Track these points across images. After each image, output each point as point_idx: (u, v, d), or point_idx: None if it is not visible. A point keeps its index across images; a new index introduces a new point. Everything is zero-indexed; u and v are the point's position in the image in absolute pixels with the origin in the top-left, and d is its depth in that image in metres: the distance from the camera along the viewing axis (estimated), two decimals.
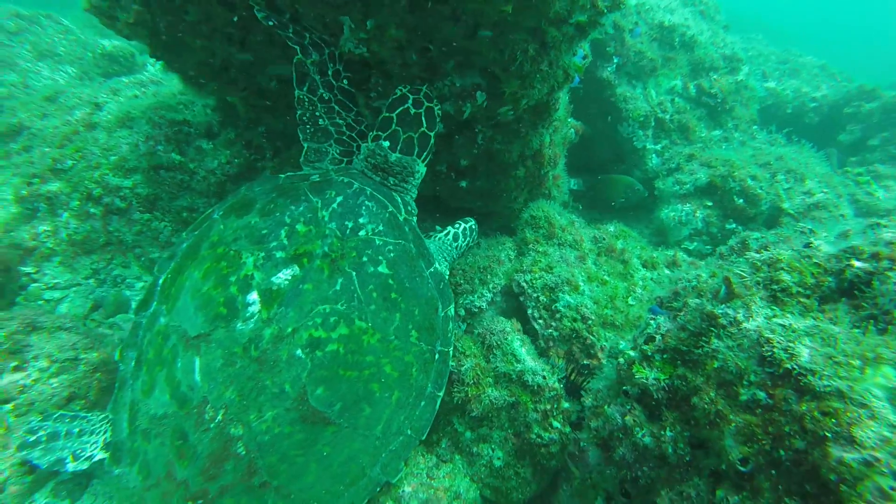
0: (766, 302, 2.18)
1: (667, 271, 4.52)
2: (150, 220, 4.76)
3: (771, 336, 1.99)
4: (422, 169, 3.31)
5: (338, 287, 2.81)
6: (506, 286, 4.09)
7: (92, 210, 4.66)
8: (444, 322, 3.06)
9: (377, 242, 2.96)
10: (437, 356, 3.02)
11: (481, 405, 3.22)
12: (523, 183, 4.60)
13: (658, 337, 2.43)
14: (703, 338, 2.23)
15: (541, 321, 3.83)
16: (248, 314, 2.74)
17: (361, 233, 2.95)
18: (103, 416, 3.20)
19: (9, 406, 3.28)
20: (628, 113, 6.31)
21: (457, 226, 3.65)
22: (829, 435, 1.74)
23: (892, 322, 1.89)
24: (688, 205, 5.64)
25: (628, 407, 2.47)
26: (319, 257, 2.84)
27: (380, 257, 2.93)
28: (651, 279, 4.35)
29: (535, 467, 3.26)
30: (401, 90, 3.16)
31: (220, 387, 2.67)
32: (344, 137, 3.40)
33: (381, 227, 3.00)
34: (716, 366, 2.12)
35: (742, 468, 1.96)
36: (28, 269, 4.61)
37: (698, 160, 5.77)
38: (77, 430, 3.16)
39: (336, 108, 3.34)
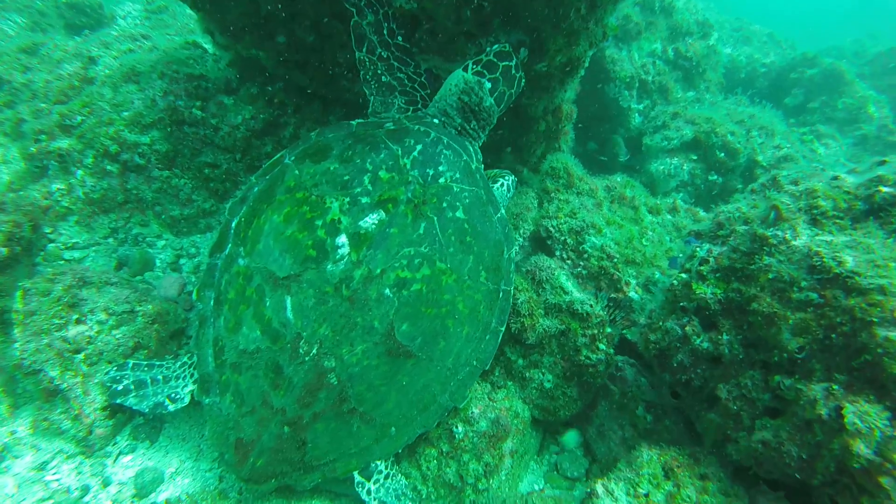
0: (808, 224, 2.63)
1: (668, 216, 5.02)
2: (169, 177, 4.70)
3: (819, 249, 2.44)
4: (495, 116, 3.51)
5: (421, 231, 3.03)
6: (533, 232, 4.43)
7: (109, 167, 4.55)
8: (507, 263, 3.36)
9: (455, 189, 3.18)
10: (500, 294, 3.32)
11: (535, 333, 3.59)
12: (543, 136, 4.92)
13: (711, 259, 2.85)
14: (756, 256, 2.66)
15: (569, 261, 4.20)
16: (338, 256, 2.92)
17: (441, 180, 3.16)
18: (180, 362, 3.32)
19: (80, 356, 3.32)
20: (615, 74, 6.70)
21: (507, 178, 3.91)
22: (875, 320, 2.21)
23: None
24: (675, 159, 6.17)
25: (686, 319, 2.90)
26: (404, 203, 3.03)
27: (457, 203, 3.16)
28: (657, 223, 4.83)
29: (581, 387, 3.69)
30: (500, 47, 3.30)
31: (313, 324, 2.87)
32: (407, 89, 3.54)
33: (457, 175, 3.21)
34: (770, 276, 2.56)
35: (798, 355, 2.43)
36: (45, 229, 4.47)
37: (682, 118, 6.28)
38: (161, 377, 3.27)
39: (395, 63, 3.48)
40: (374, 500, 3.08)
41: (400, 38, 3.50)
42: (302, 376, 2.85)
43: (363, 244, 2.94)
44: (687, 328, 2.85)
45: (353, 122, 3.38)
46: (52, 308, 3.34)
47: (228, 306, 3.09)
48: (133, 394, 3.21)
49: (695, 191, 6.25)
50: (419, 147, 3.17)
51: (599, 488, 2.67)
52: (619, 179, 5.08)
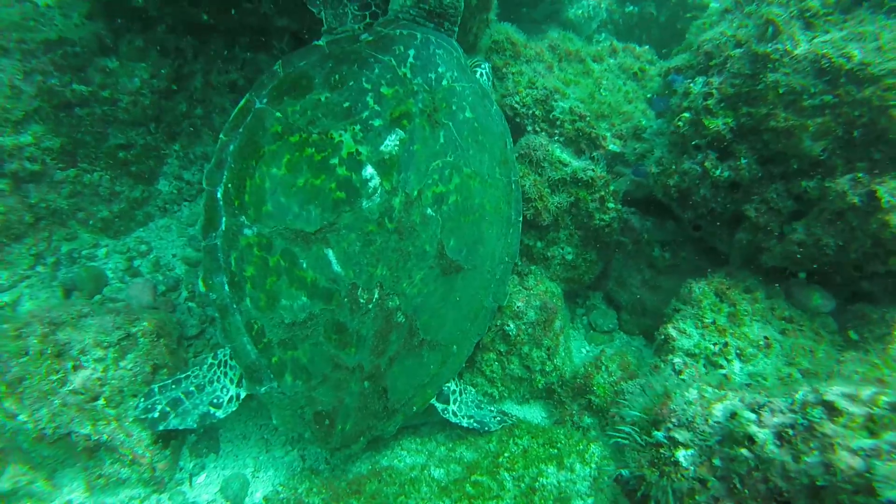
0: (803, 30, 2.69)
1: (612, 60, 4.98)
2: (77, 174, 3.93)
3: (826, 50, 2.52)
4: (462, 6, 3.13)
5: (442, 140, 2.79)
6: None
7: None
8: (511, 153, 3.24)
9: (458, 89, 2.91)
10: (513, 186, 3.25)
11: (549, 213, 3.61)
12: (475, 11, 4.54)
13: (714, 91, 2.89)
14: (760, 75, 2.73)
15: (543, 133, 4.14)
16: (370, 190, 2.65)
17: (444, 82, 2.86)
18: (206, 364, 3.04)
19: (101, 402, 2.94)
20: None
21: (483, 66, 3.61)
22: (893, 103, 2.39)
23: None
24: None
25: (701, 156, 3.00)
26: (417, 115, 2.74)
27: (464, 103, 2.91)
28: (605, 70, 4.79)
29: (599, 249, 3.85)
30: None
31: (367, 268, 2.66)
32: None
33: (455, 73, 2.92)
34: (781, 91, 2.65)
35: (822, 157, 2.61)
36: None
37: None
38: (193, 388, 2.99)
39: None
40: (462, 417, 3.18)
41: None
42: (370, 325, 2.70)
43: (392, 169, 2.67)
44: (706, 163, 2.96)
45: (322, 42, 2.92)
46: (40, 366, 2.86)
47: (250, 284, 2.78)
48: (172, 415, 2.94)
49: (615, 27, 6.21)
50: (412, 52, 2.83)
51: (672, 331, 2.91)
52: (555, 35, 4.90)
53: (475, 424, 3.17)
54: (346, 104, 2.72)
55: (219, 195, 2.81)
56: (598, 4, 6.01)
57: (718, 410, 1.57)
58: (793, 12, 2.71)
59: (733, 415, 1.48)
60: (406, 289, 2.75)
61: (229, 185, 2.79)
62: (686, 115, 3.04)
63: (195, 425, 2.90)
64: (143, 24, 3.90)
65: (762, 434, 1.40)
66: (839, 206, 2.60)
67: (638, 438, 1.69)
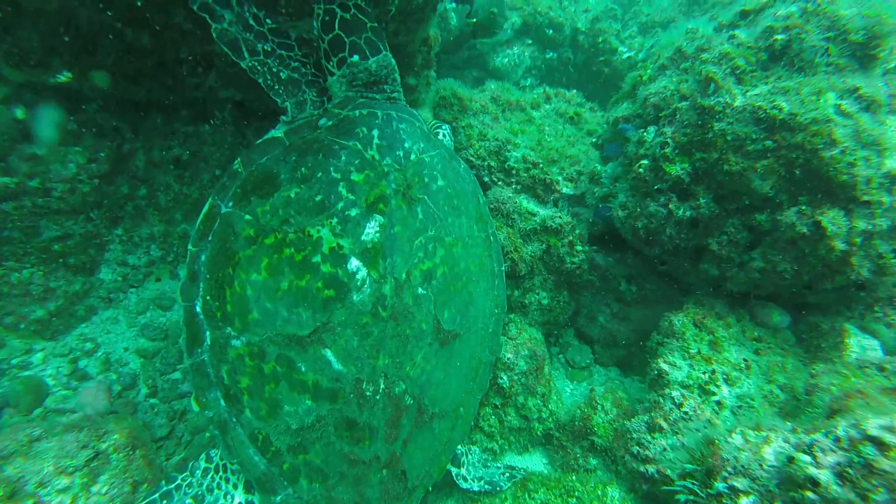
0: (736, 84, 3.05)
1: (548, 106, 5.30)
2: (3, 275, 3.50)
3: (760, 103, 2.88)
4: (393, 60, 3.15)
5: (420, 215, 2.79)
6: None
7: None
8: (484, 206, 3.32)
9: (426, 160, 2.91)
10: (492, 239, 3.32)
11: (525, 263, 3.72)
12: (421, 68, 4.67)
13: (669, 140, 3.18)
14: (708, 125, 3.05)
15: (500, 182, 4.30)
16: (358, 282, 2.57)
17: (412, 156, 2.84)
18: (199, 471, 2.79)
19: None
20: None
21: (443, 128, 3.66)
22: (819, 146, 2.76)
23: (815, 66, 2.93)
24: (514, 48, 6.38)
25: (664, 198, 3.27)
26: (393, 196, 2.70)
27: (435, 172, 2.92)
28: (544, 116, 5.08)
29: (571, 290, 4.02)
30: (317, 8, 2.89)
31: (369, 361, 2.59)
32: (309, 77, 3.01)
33: (422, 144, 2.92)
34: (728, 138, 2.97)
35: (770, 194, 2.94)
36: None
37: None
38: (189, 499, 2.72)
39: (283, 52, 2.91)
40: (472, 480, 3.14)
41: (269, 20, 2.91)
42: (380, 416, 2.62)
43: (377, 257, 2.62)
44: (670, 205, 3.22)
45: (279, 133, 2.83)
46: None
47: (248, 395, 2.61)
48: None
49: (538, 72, 6.63)
50: (376, 132, 2.79)
51: (664, 366, 3.08)
52: (494, 86, 5.14)
53: (486, 486, 3.14)
54: (319, 197, 2.63)
55: (198, 309, 2.64)
56: (521, 52, 6.41)
57: (769, 454, 1.70)
58: (726, 70, 3.07)
59: (791, 459, 1.61)
60: (410, 371, 2.70)
61: (208, 298, 2.63)
62: (645, 161, 3.31)
63: None
64: (71, 105, 3.62)
65: (824, 476, 1.53)
66: (791, 235, 2.92)
67: (700, 492, 1.78)
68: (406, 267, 2.69)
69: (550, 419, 3.52)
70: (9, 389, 3.47)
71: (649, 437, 2.88)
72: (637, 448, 2.90)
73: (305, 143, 2.76)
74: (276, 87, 2.93)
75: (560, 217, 3.78)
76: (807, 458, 1.58)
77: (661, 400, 2.95)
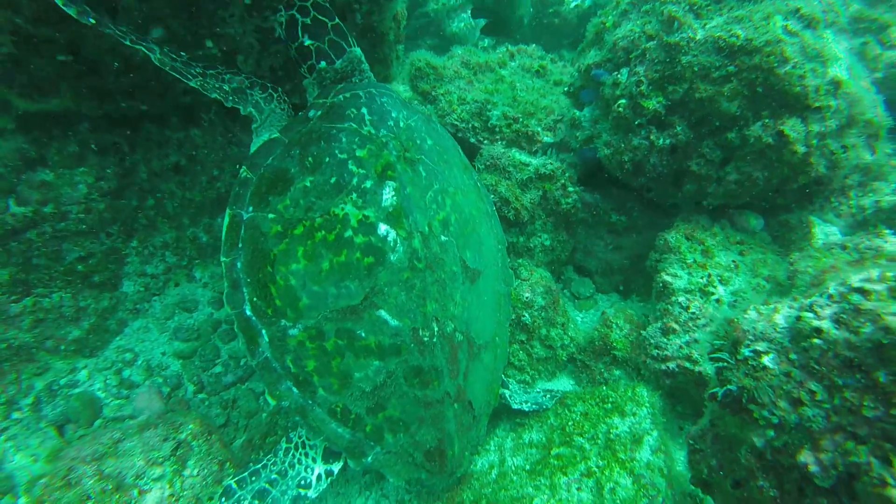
0: (695, 19, 3.40)
1: (513, 63, 5.56)
2: (35, 302, 3.59)
3: (718, 33, 3.24)
4: (359, 52, 3.32)
5: (423, 173, 3.03)
6: None
7: None
8: (464, 157, 3.58)
9: (412, 124, 3.14)
10: (479, 184, 3.59)
11: (527, 210, 4.06)
12: (392, 45, 4.84)
13: (643, 79, 3.53)
14: (675, 60, 3.40)
15: (486, 142, 4.59)
16: (391, 244, 2.81)
17: (401, 124, 3.07)
18: (281, 450, 3.06)
19: None
20: None
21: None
22: (775, 64, 3.16)
23: None
24: (468, 11, 6.55)
25: (645, 132, 3.63)
26: (397, 162, 2.92)
27: (422, 134, 3.17)
28: (512, 73, 5.35)
29: (568, 229, 4.39)
30: (278, 17, 3.08)
31: (418, 310, 2.84)
32: (246, 82, 3.19)
33: (405, 111, 3.15)
34: (696, 69, 3.34)
35: (737, 113, 3.34)
36: None
37: None
38: (276, 475, 2.98)
39: (210, 71, 3.08)
40: (521, 403, 3.51)
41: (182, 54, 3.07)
42: (441, 356, 2.90)
43: (400, 217, 2.85)
44: (651, 137, 3.59)
45: (275, 136, 3.00)
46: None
47: (317, 376, 2.84)
48: None
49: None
50: (364, 110, 3.00)
51: (667, 278, 3.50)
52: (461, 51, 5.35)
53: (534, 406, 3.52)
54: (333, 179, 2.83)
55: (248, 312, 2.84)
56: None
57: (780, 319, 2.11)
58: (685, 7, 3.41)
59: (798, 318, 2.02)
60: (454, 311, 2.99)
61: (255, 299, 2.83)
62: (623, 101, 3.65)
63: None
64: (65, 128, 3.66)
65: (825, 324, 1.95)
66: (759, 147, 3.35)
67: (730, 360, 2.18)
68: (426, 220, 2.93)
69: (572, 345, 3.94)
70: (67, 407, 3.62)
71: (665, 340, 3.32)
72: (656, 351, 3.35)
73: (304, 136, 2.94)
74: (230, 97, 3.11)
75: (551, 163, 4.12)
76: (810, 314, 2.00)
77: (670, 307, 3.38)
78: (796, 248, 3.62)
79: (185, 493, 2.92)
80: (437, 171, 3.14)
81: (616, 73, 3.75)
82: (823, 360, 1.98)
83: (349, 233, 2.79)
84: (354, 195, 2.83)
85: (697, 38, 3.32)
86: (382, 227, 2.82)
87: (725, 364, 2.18)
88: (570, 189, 4.20)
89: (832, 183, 3.67)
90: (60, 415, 3.61)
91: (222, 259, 2.89)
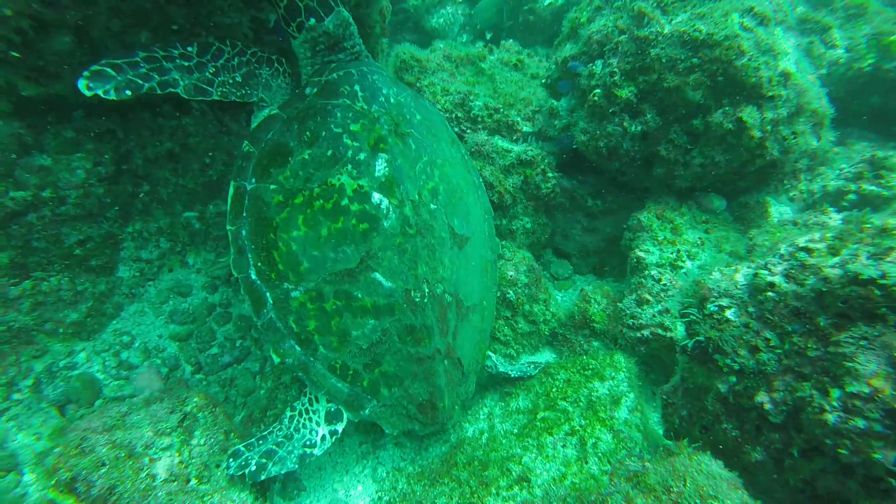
0: (662, 14, 3.70)
1: (492, 57, 5.80)
2: (34, 285, 3.67)
3: (684, 28, 3.55)
4: (346, 13, 3.41)
5: (413, 146, 3.22)
6: None
7: None
8: (452, 132, 3.81)
9: (402, 100, 3.33)
10: (466, 158, 3.81)
11: (510, 194, 4.31)
12: (378, 38, 5.02)
13: (616, 69, 3.82)
14: (644, 52, 3.70)
15: (469, 130, 4.83)
16: (384, 211, 3.00)
17: (392, 100, 3.26)
18: (286, 418, 3.27)
19: (194, 481, 2.98)
20: None
21: None
22: (733, 56, 3.48)
23: None
24: (447, 7, 6.77)
25: (618, 119, 3.93)
26: (388, 135, 3.11)
27: (412, 109, 3.36)
28: (492, 66, 5.60)
29: (548, 213, 4.66)
30: None
31: (410, 272, 3.04)
32: (254, 63, 3.35)
33: (395, 88, 3.34)
34: (664, 61, 3.64)
35: (701, 101, 3.66)
36: None
37: None
38: (282, 438, 3.18)
39: (219, 63, 3.24)
40: (501, 368, 3.76)
41: (188, 48, 3.21)
42: (431, 315, 3.10)
43: (392, 186, 3.04)
44: (624, 123, 3.89)
45: (275, 112, 3.20)
46: (124, 470, 2.83)
47: (318, 335, 3.06)
48: (270, 464, 3.10)
49: (472, 29, 7.07)
50: (357, 87, 3.19)
51: (640, 254, 3.80)
52: (442, 45, 5.57)
53: (519, 373, 3.77)
54: (329, 152, 3.03)
55: (253, 276, 3.05)
56: (454, 11, 6.81)
57: (740, 277, 2.40)
58: (653, 3, 3.70)
59: (756, 275, 2.31)
60: (443, 273, 3.20)
61: (259, 264, 3.04)
62: (598, 90, 3.94)
63: (296, 467, 3.08)
64: (59, 114, 3.74)
65: (777, 279, 2.24)
66: (720, 132, 3.68)
67: (698, 315, 2.47)
68: (416, 189, 3.13)
69: (553, 320, 4.21)
70: (67, 388, 3.71)
71: (639, 310, 3.62)
72: (631, 320, 3.64)
73: (301, 112, 3.15)
74: (245, 90, 3.27)
75: (531, 150, 4.38)
76: (765, 272, 2.30)
77: (643, 280, 3.69)
78: (755, 225, 3.97)
79: (193, 460, 3.06)
80: (426, 143, 3.34)
81: (591, 64, 4.04)
82: (776, 310, 2.28)
83: (345, 201, 2.99)
84: (349, 166, 3.03)
85: (665, 32, 3.63)
86: (376, 196, 3.02)
87: (694, 318, 2.47)
88: (550, 175, 4.48)
89: (784, 167, 4.04)
90: (61, 395, 3.70)
91: (228, 227, 3.08)
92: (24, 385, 3.70)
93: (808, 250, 2.22)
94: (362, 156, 3.05)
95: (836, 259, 2.12)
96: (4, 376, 3.64)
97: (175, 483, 2.93)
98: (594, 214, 4.84)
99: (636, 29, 3.72)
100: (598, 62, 3.98)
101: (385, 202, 3.02)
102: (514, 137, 4.75)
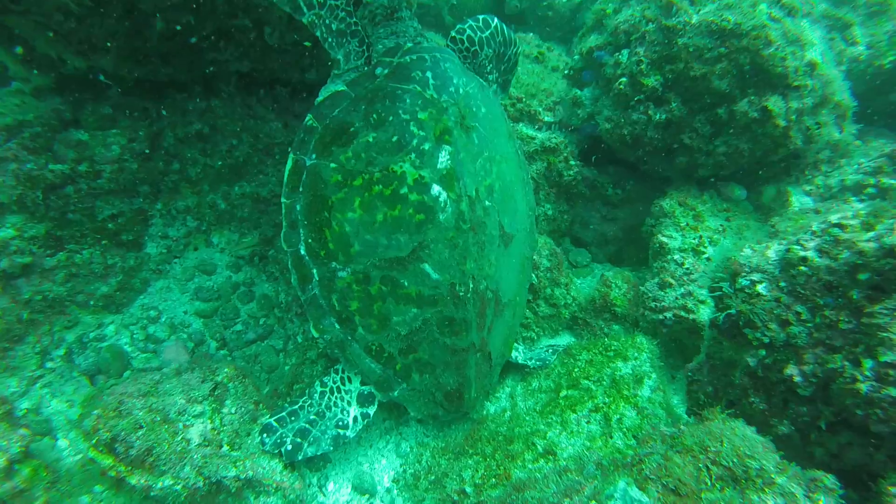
0: (690, 4, 3.77)
1: None
2: (68, 257, 3.74)
3: (712, 18, 3.61)
4: None
5: (476, 141, 3.24)
6: None
7: None
8: (510, 125, 3.83)
9: (471, 92, 3.32)
10: (519, 153, 3.84)
11: (533, 180, 4.38)
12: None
13: (643, 59, 3.88)
14: (672, 42, 3.76)
15: None
16: (442, 204, 3.00)
17: (462, 91, 3.24)
18: (317, 393, 3.30)
19: (226, 447, 3.05)
20: None
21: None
22: (760, 46, 3.54)
23: None
24: None
25: (643, 107, 3.99)
26: (454, 127, 3.10)
27: (478, 101, 3.36)
28: None
29: (568, 201, 4.73)
30: None
31: (458, 267, 3.07)
32: (353, 27, 3.35)
33: (464, 79, 3.32)
34: (691, 50, 3.70)
35: (726, 90, 3.72)
36: None
37: None
38: (314, 415, 3.22)
39: (332, 2, 3.25)
40: (528, 359, 3.82)
41: None
42: (472, 310, 3.15)
43: (452, 180, 3.03)
44: (649, 112, 3.95)
45: (341, 87, 3.17)
46: (161, 432, 2.90)
47: (359, 316, 3.09)
48: (306, 444, 3.14)
49: None
50: (429, 74, 3.15)
51: (664, 239, 3.86)
52: None
53: (538, 363, 3.83)
54: (395, 138, 3.00)
55: (302, 251, 3.09)
56: None
57: (772, 253, 2.46)
58: None
59: (788, 250, 2.37)
60: (488, 271, 3.24)
61: (310, 241, 3.07)
62: (624, 79, 4.00)
63: (331, 448, 3.15)
64: (97, 91, 3.82)
65: (810, 253, 2.30)
66: (745, 121, 3.73)
67: (730, 289, 2.53)
68: (474, 185, 3.15)
69: (574, 304, 4.27)
70: (98, 358, 3.78)
71: (662, 293, 3.68)
72: (654, 303, 3.70)
73: (370, 93, 3.12)
74: (330, 39, 3.24)
75: (555, 137, 4.45)
76: (797, 247, 2.36)
77: (666, 264, 3.74)
78: (776, 214, 4.03)
79: (225, 427, 3.13)
80: (488, 138, 3.34)
81: (617, 53, 4.10)
82: (808, 285, 2.34)
83: (405, 190, 2.98)
84: (413, 155, 3.01)
85: (693, 21, 3.69)
86: (435, 188, 3.00)
87: (725, 292, 2.53)
88: (572, 162, 4.54)
89: (807, 157, 4.10)
90: (92, 365, 3.77)
91: (283, 200, 3.10)
92: (57, 354, 3.77)
93: (841, 226, 2.28)
94: (427, 146, 3.02)
95: (872, 234, 2.17)
96: (39, 345, 3.70)
97: (209, 448, 3.00)
98: (613, 203, 4.90)
99: (664, 18, 3.79)
100: (625, 52, 4.05)
101: (444, 195, 3.01)
102: (536, 127, 4.82)
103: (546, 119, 4.91)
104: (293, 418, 3.24)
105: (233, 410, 3.22)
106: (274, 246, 4.55)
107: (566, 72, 5.10)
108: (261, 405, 3.38)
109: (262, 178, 4.63)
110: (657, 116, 3.95)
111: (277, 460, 3.18)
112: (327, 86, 3.27)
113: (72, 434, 3.34)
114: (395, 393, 3.23)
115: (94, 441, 2.80)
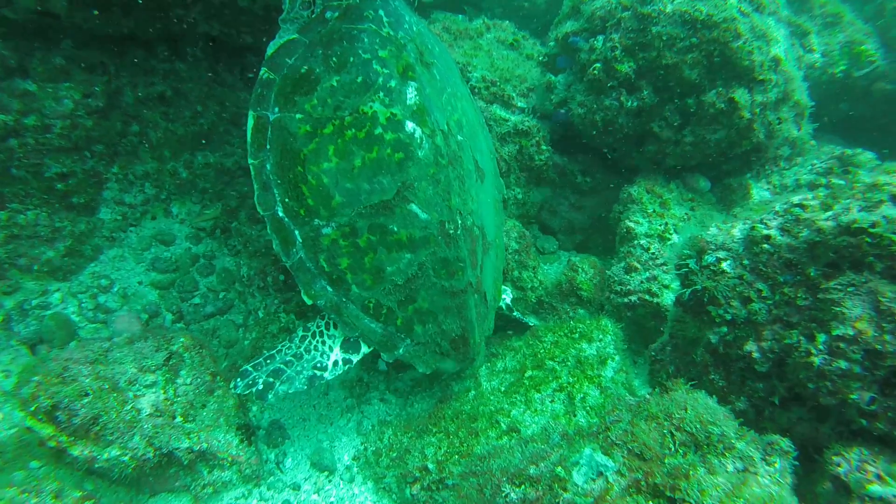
0: None
1: (489, 34, 5.86)
2: (10, 216, 3.50)
3: (685, 8, 3.68)
4: None
5: (437, 76, 3.17)
6: None
7: None
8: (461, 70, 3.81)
9: (423, 30, 3.27)
10: (473, 96, 3.83)
11: (505, 162, 4.37)
12: None
13: (617, 45, 3.92)
14: (646, 30, 3.81)
15: None
16: (418, 140, 2.89)
17: (414, 28, 3.17)
18: (297, 338, 3.13)
19: (179, 419, 2.92)
20: None
21: None
22: (730, 38, 3.63)
23: None
24: None
25: (615, 94, 4.04)
26: (416, 63, 3.02)
27: (431, 40, 3.31)
28: (490, 42, 5.65)
29: (539, 185, 4.75)
30: None
31: (443, 203, 2.95)
32: None
33: (414, 17, 3.26)
34: (664, 39, 3.76)
35: (696, 80, 3.80)
36: None
37: None
38: (292, 357, 3.05)
39: None
40: (516, 314, 3.90)
41: None
42: (464, 247, 3.04)
43: (423, 115, 2.93)
44: (622, 98, 4.00)
45: (294, 36, 3.01)
46: (108, 401, 2.74)
47: (351, 273, 2.94)
48: (278, 383, 2.94)
49: (468, 10, 7.12)
50: (382, 12, 3.05)
51: (630, 224, 3.92)
52: (441, 17, 5.61)
53: (523, 318, 3.90)
54: (360, 78, 2.87)
55: (280, 214, 2.91)
56: None
57: (737, 231, 2.52)
58: None
59: (752, 228, 2.44)
60: (472, 206, 3.15)
61: (286, 200, 2.90)
62: (598, 64, 4.04)
63: (305, 387, 2.96)
64: (48, 41, 3.59)
65: (773, 231, 2.37)
66: (712, 112, 3.83)
67: (696, 266, 2.58)
68: (444, 119, 3.07)
69: (541, 287, 4.29)
70: (40, 327, 3.56)
71: (627, 277, 3.74)
72: (619, 287, 3.76)
73: (324, 37, 2.97)
74: None
75: (528, 121, 4.46)
76: (761, 226, 2.42)
77: (633, 249, 3.80)
78: (737, 205, 4.15)
79: (179, 398, 2.99)
80: (447, 76, 3.27)
81: (593, 39, 4.13)
82: (769, 262, 2.41)
83: (379, 130, 2.86)
84: (381, 94, 2.89)
85: (667, 10, 3.75)
86: (409, 125, 2.90)
87: (690, 269, 2.58)
88: (544, 147, 4.56)
89: (768, 151, 4.24)
90: (33, 334, 3.55)
91: (251, 161, 2.92)
92: None
93: (802, 206, 2.36)
94: (393, 83, 2.90)
95: (830, 213, 2.25)
96: None
97: (161, 418, 2.86)
98: (582, 192, 4.95)
99: (640, 6, 3.83)
100: (600, 37, 4.08)
101: (419, 131, 2.90)
102: (510, 111, 4.81)
103: (519, 105, 4.91)
104: (269, 361, 3.05)
105: (188, 381, 3.09)
106: (237, 218, 4.39)
107: (541, 59, 5.12)
108: (218, 377, 3.25)
109: (228, 148, 4.46)
110: (629, 103, 4.00)
111: (233, 434, 3.08)
112: (275, 40, 3.09)
113: (7, 406, 3.12)
114: (401, 350, 3.07)
115: (32, 408, 2.62)
